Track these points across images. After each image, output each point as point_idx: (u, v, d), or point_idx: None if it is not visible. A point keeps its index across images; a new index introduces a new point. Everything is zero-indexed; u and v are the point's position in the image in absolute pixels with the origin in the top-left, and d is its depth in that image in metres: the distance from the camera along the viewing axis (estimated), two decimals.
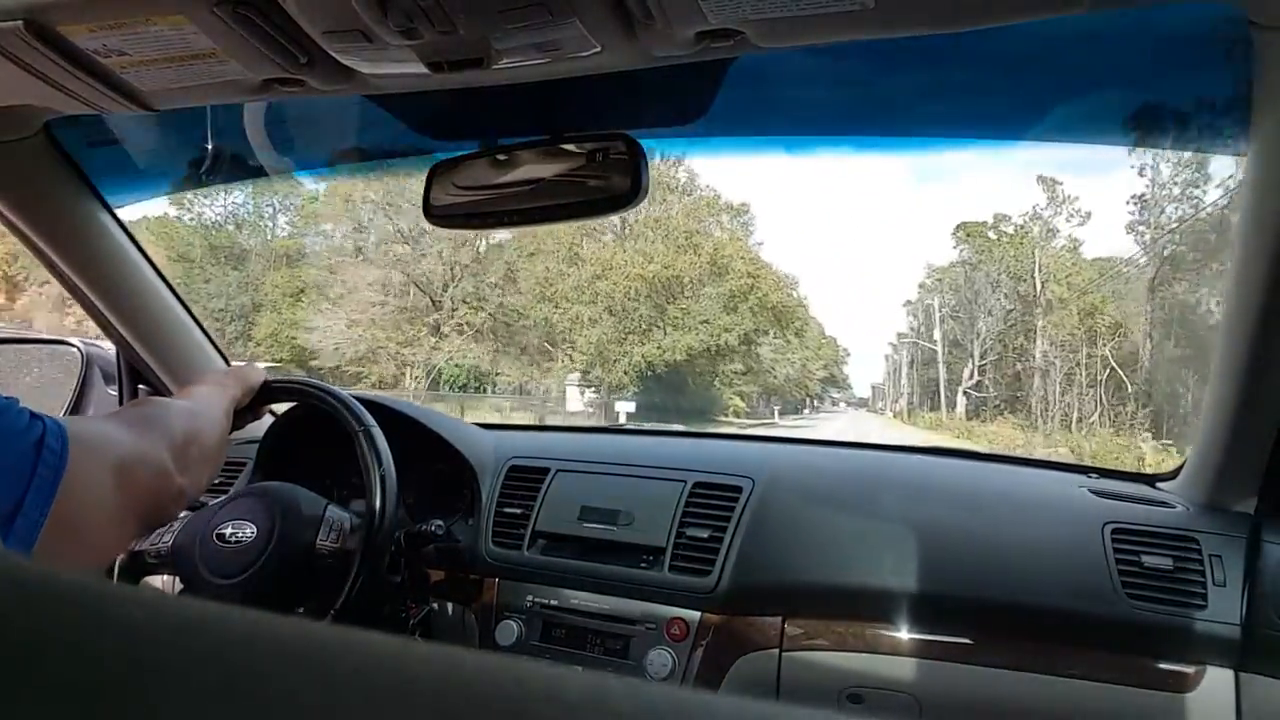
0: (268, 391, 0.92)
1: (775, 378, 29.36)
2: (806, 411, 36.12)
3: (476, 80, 0.68)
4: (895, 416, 33.55)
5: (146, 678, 0.13)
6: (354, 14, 0.56)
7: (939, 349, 29.16)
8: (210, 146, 1.12)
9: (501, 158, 0.88)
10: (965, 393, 26.76)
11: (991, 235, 26.50)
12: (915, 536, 1.02)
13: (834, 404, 41.64)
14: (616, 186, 0.83)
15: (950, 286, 29.68)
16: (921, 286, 31.77)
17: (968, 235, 27.33)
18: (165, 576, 1.15)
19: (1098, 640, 0.94)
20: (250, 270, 23.20)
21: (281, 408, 1.20)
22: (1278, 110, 0.68)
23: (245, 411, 0.89)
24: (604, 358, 22.52)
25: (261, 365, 0.95)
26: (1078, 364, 21.87)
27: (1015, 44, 0.78)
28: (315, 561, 0.95)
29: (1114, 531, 0.96)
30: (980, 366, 26.58)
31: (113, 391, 1.36)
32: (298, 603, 0.96)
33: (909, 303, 33.32)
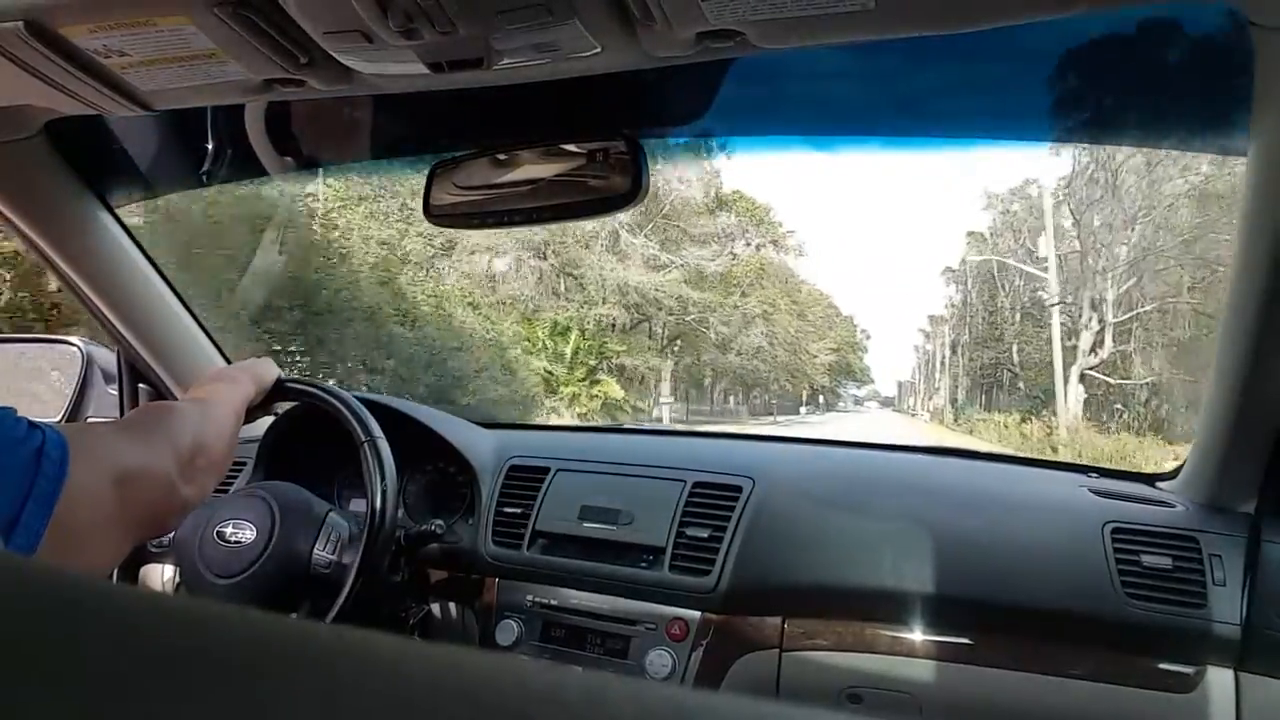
0: (279, 390, 0.92)
1: (735, 353, 17.36)
2: (803, 411, 26.31)
3: (476, 80, 0.68)
4: (935, 419, 22.88)
5: (146, 678, 0.13)
6: (354, 14, 0.56)
7: (1049, 276, 15.89)
8: (210, 146, 1.12)
9: (502, 158, 0.88)
10: (1085, 376, 15.01)
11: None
12: (915, 536, 1.02)
13: (857, 403, 31.82)
14: (617, 186, 0.83)
15: (1029, 208, 17.35)
16: (971, 236, 21.32)
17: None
18: (165, 567, 1.15)
19: (1098, 640, 0.94)
20: None
21: (282, 405, 1.20)
22: (1278, 110, 0.68)
23: (256, 409, 0.88)
24: None
25: (272, 362, 0.94)
26: None
27: (1013, 46, 0.78)
28: (312, 569, 0.95)
29: (1114, 531, 0.96)
30: (1115, 328, 14.54)
31: (113, 391, 1.36)
32: (294, 607, 0.96)
33: (950, 270, 23.27)
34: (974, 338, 21.87)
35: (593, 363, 14.01)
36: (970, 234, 21.85)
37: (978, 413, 20.05)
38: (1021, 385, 19.49)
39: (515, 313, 13.58)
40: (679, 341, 16.62)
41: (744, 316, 17.81)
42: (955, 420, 21.01)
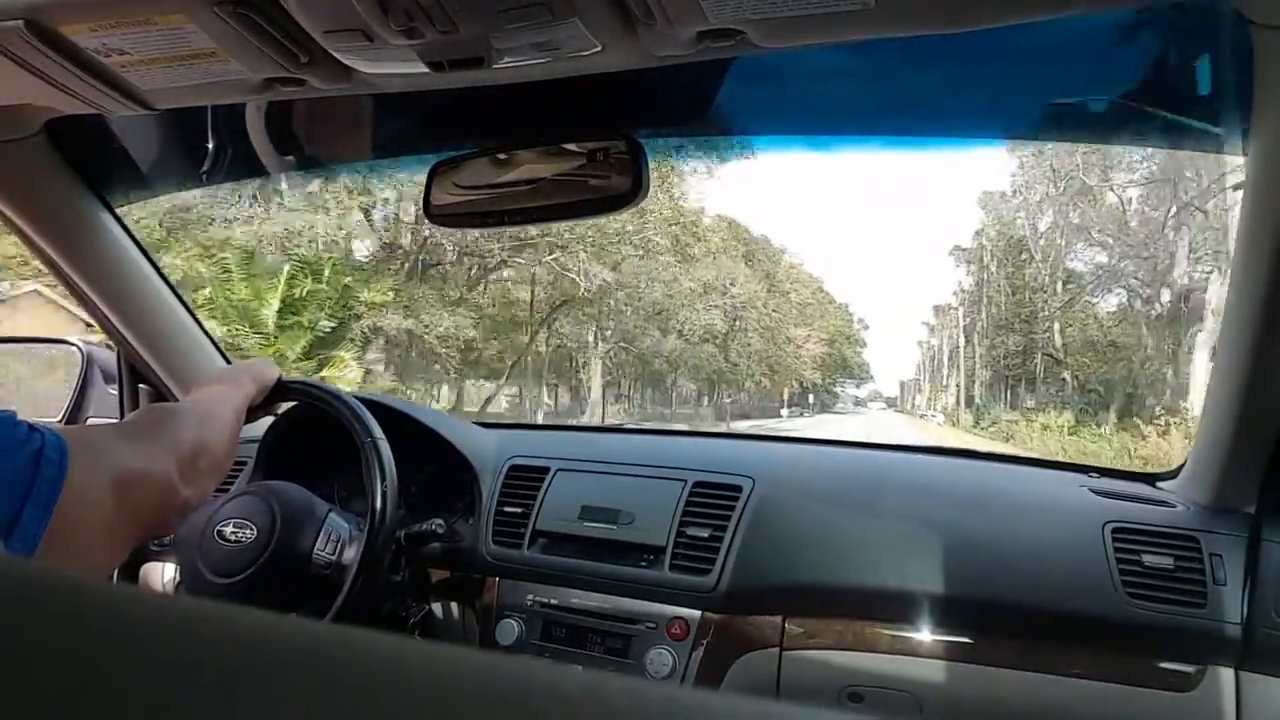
0: (280, 390, 0.92)
1: (676, 333, 12.13)
2: (785, 414, 21.26)
3: (477, 80, 0.68)
4: (950, 421, 19.36)
5: (146, 678, 0.13)
6: (355, 13, 0.56)
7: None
8: (210, 146, 1.12)
9: (502, 157, 0.88)
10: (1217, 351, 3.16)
11: None
12: (915, 536, 1.02)
13: (858, 404, 29.30)
14: (617, 185, 0.83)
15: (1069, 152, 12.98)
16: (983, 199, 18.57)
17: None
18: (166, 566, 1.16)
19: (1098, 640, 0.94)
20: None
21: (283, 405, 1.20)
22: (1278, 110, 0.68)
23: (256, 409, 0.88)
24: None
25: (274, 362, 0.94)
26: None
27: (1013, 46, 0.78)
28: (312, 569, 0.95)
29: (1114, 531, 0.96)
30: None
31: (113, 391, 1.36)
32: (294, 607, 0.96)
33: (959, 249, 20.30)
34: (994, 321, 17.16)
35: (329, 326, 7.58)
36: (982, 196, 17.79)
37: (1006, 413, 15.58)
38: (1068, 376, 14.76)
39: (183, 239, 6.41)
40: (567, 312, 10.14)
41: (649, 250, 10.62)
42: (976, 424, 16.52)
